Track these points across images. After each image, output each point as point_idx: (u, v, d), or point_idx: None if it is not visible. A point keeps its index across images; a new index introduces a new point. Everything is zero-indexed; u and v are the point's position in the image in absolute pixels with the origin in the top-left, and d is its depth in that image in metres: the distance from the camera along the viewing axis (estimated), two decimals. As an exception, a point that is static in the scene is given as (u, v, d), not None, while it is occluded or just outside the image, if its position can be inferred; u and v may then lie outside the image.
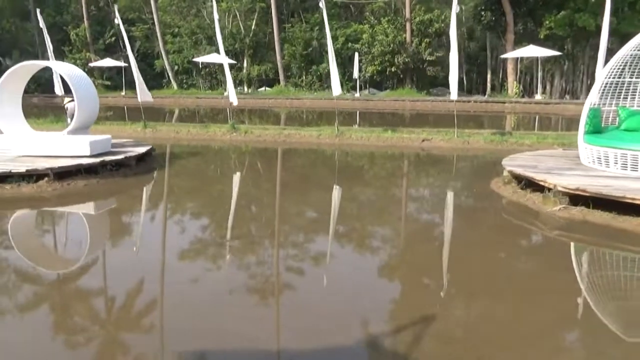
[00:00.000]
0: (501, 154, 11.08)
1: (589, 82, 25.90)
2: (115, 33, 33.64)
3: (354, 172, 10.10)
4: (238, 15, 30.48)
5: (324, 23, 29.30)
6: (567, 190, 6.43)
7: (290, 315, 3.88)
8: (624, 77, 8.18)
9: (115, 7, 16.02)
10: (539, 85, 24.24)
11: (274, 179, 9.40)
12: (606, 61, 8.71)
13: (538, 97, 23.48)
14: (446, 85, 30.92)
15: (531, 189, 7.20)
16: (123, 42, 34.84)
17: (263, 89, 29.89)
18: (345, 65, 28.37)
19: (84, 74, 9.72)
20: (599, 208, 6.14)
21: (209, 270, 4.92)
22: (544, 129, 15.32)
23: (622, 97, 8.34)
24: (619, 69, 7.97)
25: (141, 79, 13.47)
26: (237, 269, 4.96)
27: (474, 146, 11.49)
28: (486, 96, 25.29)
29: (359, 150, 11.77)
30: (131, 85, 29.37)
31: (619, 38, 18.83)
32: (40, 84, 31.03)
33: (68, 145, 8.53)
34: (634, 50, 7.68)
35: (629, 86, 8.29)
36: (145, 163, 9.51)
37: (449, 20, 26.36)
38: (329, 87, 28.96)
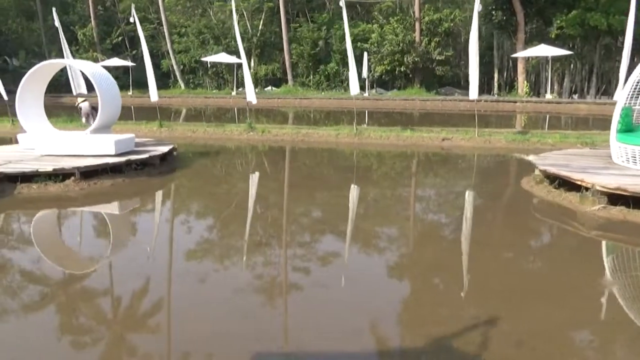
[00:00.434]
0: (525, 153, 11.02)
1: (598, 81, 25.85)
2: (122, 33, 33.58)
3: (382, 171, 10.02)
4: (245, 15, 30.38)
5: (332, 22, 29.31)
6: (606, 190, 6.34)
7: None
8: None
9: (132, 7, 15.93)
10: (549, 85, 24.15)
11: (299, 179, 9.31)
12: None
13: (548, 96, 23.39)
14: (453, 84, 30.93)
15: (565, 188, 7.13)
16: (129, 41, 34.93)
17: (269, 88, 29.80)
18: (353, 65, 28.31)
19: (107, 73, 9.63)
20: (639, 207, 6.06)
21: (246, 270, 4.84)
22: (562, 128, 15.22)
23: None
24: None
25: (153, 81, 13.40)
26: (279, 269, 4.88)
27: (495, 145, 11.41)
28: (496, 96, 25.20)
29: (380, 150, 11.68)
30: (139, 85, 29.39)
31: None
32: (49, 83, 30.96)
33: (93, 145, 8.45)
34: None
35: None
36: (167, 162, 9.43)
37: (459, 20, 26.43)
38: (337, 86, 29.12)
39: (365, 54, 24.97)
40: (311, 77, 28.63)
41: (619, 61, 25.63)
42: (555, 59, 23.25)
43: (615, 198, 6.30)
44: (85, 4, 33.86)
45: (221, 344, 3.41)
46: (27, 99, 9.18)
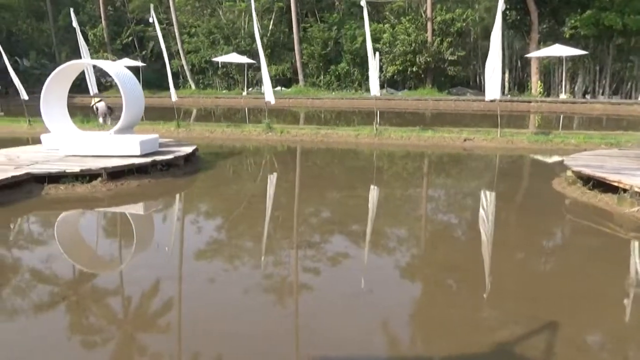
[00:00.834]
0: (549, 153, 10.90)
1: (611, 81, 25.59)
2: (132, 33, 33.62)
3: (409, 172, 9.93)
4: (255, 15, 30.33)
5: (342, 22, 29.20)
6: (646, 191, 6.23)
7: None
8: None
9: (152, 7, 15.92)
10: (563, 85, 23.94)
11: (326, 181, 9.21)
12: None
13: (563, 96, 23.20)
14: (463, 84, 30.74)
15: (600, 190, 7.01)
16: (138, 42, 34.98)
17: (279, 88, 29.72)
18: (364, 65, 28.16)
19: (131, 73, 9.59)
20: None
21: (277, 272, 4.76)
22: (581, 128, 15.05)
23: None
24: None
25: (171, 81, 13.36)
26: (315, 269, 4.80)
27: (517, 146, 11.28)
28: (509, 96, 25.00)
29: (401, 150, 11.58)
30: (149, 85, 29.38)
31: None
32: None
33: (118, 145, 8.41)
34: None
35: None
36: (191, 163, 9.38)
37: (471, 19, 26.23)
38: (348, 86, 29.00)
39: (377, 54, 24.85)
40: (322, 77, 28.53)
41: (632, 61, 25.42)
42: (568, 59, 23.06)
43: (655, 200, 6.18)
44: (95, 5, 33.96)
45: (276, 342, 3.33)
46: (50, 100, 9.15)
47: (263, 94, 28.21)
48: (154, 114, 18.27)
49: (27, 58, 32.90)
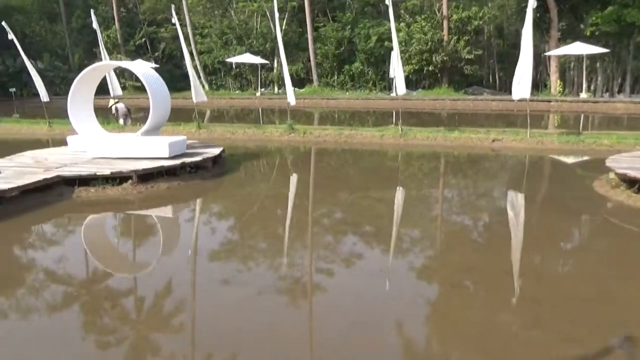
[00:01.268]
0: (582, 154, 10.61)
1: (632, 80, 25.08)
2: (144, 35, 33.66)
3: (442, 174, 9.70)
4: (268, 14, 30.20)
5: (355, 22, 28.92)
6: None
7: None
8: None
9: (173, 8, 15.82)
10: (583, 84, 23.48)
11: (359, 182, 9.01)
12: None
13: (583, 95, 22.75)
14: (479, 84, 30.34)
15: (646, 192, 6.75)
16: (150, 43, 35.04)
17: (293, 89, 29.55)
18: (378, 65, 27.92)
19: (157, 74, 9.47)
20: None
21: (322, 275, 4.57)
22: (609, 128, 14.68)
23: None
24: None
25: (197, 82, 13.24)
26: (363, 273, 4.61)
27: (548, 147, 11.00)
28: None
29: (429, 151, 11.36)
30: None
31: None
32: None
33: (147, 147, 8.28)
34: None
35: None
36: (218, 165, 9.24)
37: (488, 17, 25.84)
38: (362, 86, 28.72)
39: (392, 53, 24.59)
40: (335, 77, 28.31)
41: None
42: (587, 57, 22.62)
43: None
44: (108, 6, 34.06)
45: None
46: (77, 102, 9.06)
47: (276, 94, 28.31)
48: (170, 116, 18.16)
49: (40, 60, 33.07)
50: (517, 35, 30.64)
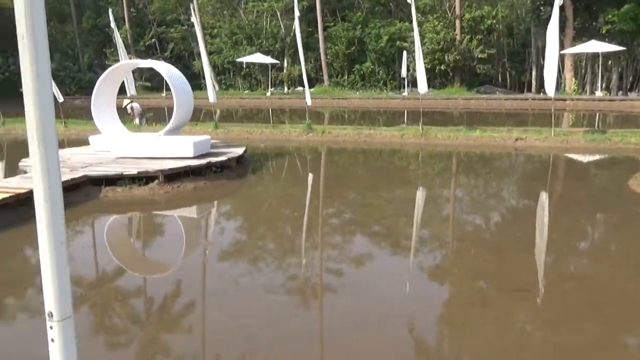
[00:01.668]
0: (609, 152, 10.43)
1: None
2: (154, 35, 33.70)
3: (467, 173, 9.56)
4: (278, 15, 30.14)
5: (366, 21, 28.75)
6: None
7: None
8: None
9: (192, 7, 15.74)
10: (599, 82, 23.22)
11: (383, 183, 8.88)
12: None
13: (599, 93, 22.50)
14: (489, 83, 30.12)
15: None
16: (159, 43, 35.08)
17: (300, 89, 29.46)
18: (388, 64, 27.78)
19: (181, 74, 9.39)
20: None
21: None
22: (628, 126, 14.45)
23: None
24: None
25: (210, 82, 13.16)
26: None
27: (573, 145, 10.82)
28: (541, 94, 24.39)
29: (452, 151, 11.21)
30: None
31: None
32: (82, 86, 31.26)
33: (171, 146, 8.20)
34: None
35: None
36: (241, 164, 9.14)
37: (501, 16, 25.64)
38: (372, 86, 28.57)
39: (405, 52, 24.44)
40: (346, 76, 28.19)
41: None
42: (603, 55, 22.36)
43: None
44: (118, 6, 34.11)
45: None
46: (101, 104, 8.99)
47: (286, 94, 28.20)
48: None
49: (51, 60, 33.19)
50: (527, 34, 30.52)
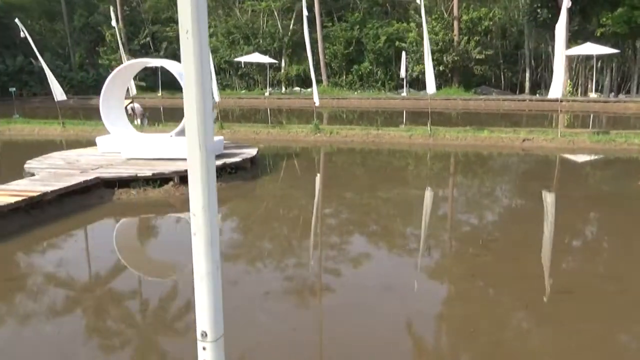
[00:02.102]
0: (615, 153, 10.53)
1: (638, 80, 25.20)
2: (149, 34, 33.27)
3: (483, 175, 9.56)
4: (276, 14, 29.96)
5: (364, 22, 28.72)
6: None
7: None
8: None
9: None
10: (593, 84, 23.53)
11: (398, 181, 8.84)
12: None
13: (593, 95, 22.81)
14: (485, 83, 30.35)
15: None
16: (153, 42, 34.62)
17: (297, 89, 29.33)
18: (387, 65, 27.81)
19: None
20: None
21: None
22: (627, 128, 14.64)
23: None
24: None
25: (214, 81, 12.99)
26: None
27: (579, 146, 10.91)
28: (537, 95, 24.68)
29: (461, 151, 11.21)
30: (167, 86, 29.00)
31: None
32: (73, 85, 30.71)
33: (184, 147, 8.02)
34: None
35: None
36: (255, 165, 9.01)
37: (498, 18, 25.83)
38: (371, 86, 28.56)
39: (404, 53, 24.48)
40: (344, 77, 28.14)
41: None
42: (596, 57, 22.68)
43: None
44: (110, 4, 33.58)
45: None
46: (111, 106, 8.78)
47: (284, 94, 28.04)
48: (171, 115, 17.89)
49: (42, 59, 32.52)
50: (520, 35, 30.82)
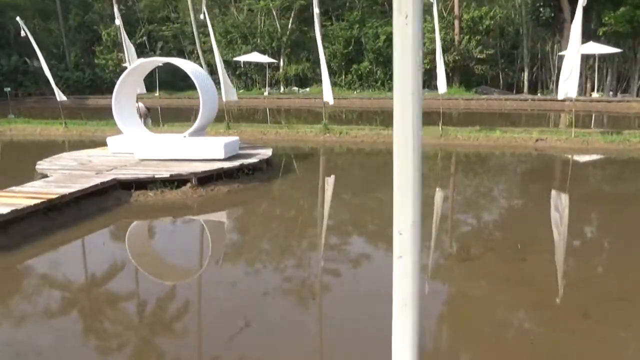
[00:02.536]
0: (629, 153, 10.51)
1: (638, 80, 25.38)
2: (144, 33, 32.88)
3: (501, 175, 9.46)
4: (274, 13, 29.72)
5: (363, 21, 28.58)
6: None
7: None
8: None
9: (203, 4, 15.31)
10: (595, 83, 23.65)
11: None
12: None
13: (595, 95, 22.91)
14: (486, 83, 30.41)
15: None
16: (149, 41, 34.21)
17: (296, 89, 29.14)
18: (386, 64, 27.69)
19: (205, 72, 9.02)
20: None
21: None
22: (634, 127, 14.71)
23: None
24: None
25: (227, 79, 12.78)
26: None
27: (594, 146, 10.87)
28: (538, 94, 24.75)
29: (474, 151, 11.12)
30: (164, 86, 28.63)
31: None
32: (69, 85, 30.21)
33: (200, 148, 7.83)
34: None
35: None
36: (270, 166, 8.82)
37: (499, 17, 25.85)
38: (371, 86, 28.45)
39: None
40: (343, 76, 28.00)
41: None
42: (598, 57, 22.78)
43: None
44: (106, 3, 33.12)
45: None
46: (123, 106, 8.55)
47: (283, 93, 27.82)
48: (174, 115, 17.61)
49: (37, 59, 31.97)
50: (517, 35, 30.92)
